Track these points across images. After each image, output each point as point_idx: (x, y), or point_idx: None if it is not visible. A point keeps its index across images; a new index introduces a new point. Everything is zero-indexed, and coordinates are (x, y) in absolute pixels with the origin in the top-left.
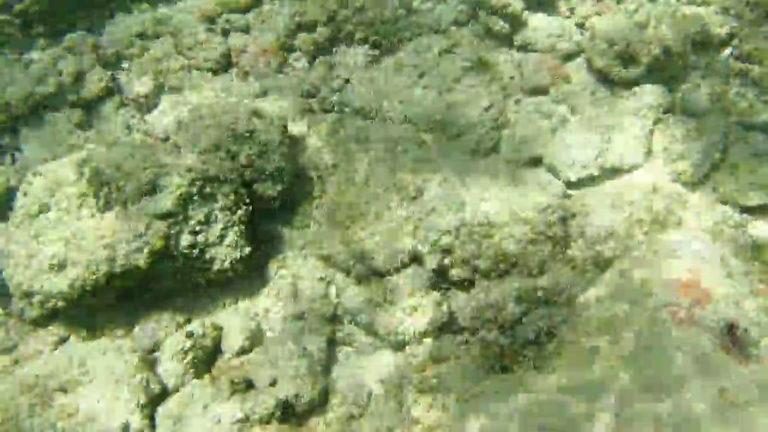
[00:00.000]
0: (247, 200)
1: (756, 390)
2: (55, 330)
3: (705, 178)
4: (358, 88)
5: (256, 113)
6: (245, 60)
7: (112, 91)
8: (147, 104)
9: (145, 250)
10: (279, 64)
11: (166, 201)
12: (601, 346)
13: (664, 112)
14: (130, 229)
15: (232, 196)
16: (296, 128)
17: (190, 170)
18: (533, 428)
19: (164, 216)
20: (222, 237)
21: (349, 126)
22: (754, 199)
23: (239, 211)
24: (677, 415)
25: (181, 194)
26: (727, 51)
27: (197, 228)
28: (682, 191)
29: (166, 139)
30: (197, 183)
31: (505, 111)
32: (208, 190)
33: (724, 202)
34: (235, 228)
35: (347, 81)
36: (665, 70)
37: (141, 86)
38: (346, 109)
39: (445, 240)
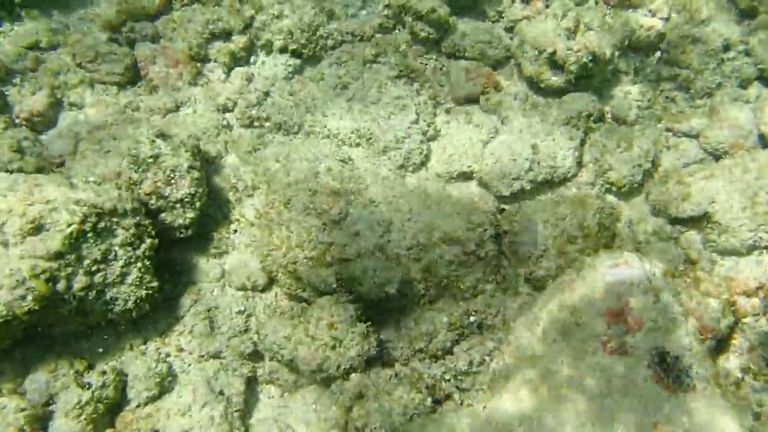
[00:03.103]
0: (153, 232)
1: (686, 420)
2: None
3: (638, 188)
4: (279, 101)
5: (162, 135)
6: (154, 72)
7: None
8: (42, 123)
9: (29, 298)
10: (192, 75)
11: (53, 241)
12: (531, 379)
13: (595, 121)
14: (11, 274)
15: (133, 230)
16: (212, 146)
17: (81, 204)
18: None
19: (52, 258)
20: (124, 275)
21: (269, 143)
22: (686, 211)
23: (143, 245)
24: None
25: (71, 233)
26: (657, 55)
27: (93, 268)
28: (615, 203)
29: (62, 164)
30: (90, 219)
31: (435, 122)
32: (103, 224)
33: (656, 213)
34: (139, 264)
35: (267, 94)
36: (594, 76)
37: (35, 103)
38: (266, 124)
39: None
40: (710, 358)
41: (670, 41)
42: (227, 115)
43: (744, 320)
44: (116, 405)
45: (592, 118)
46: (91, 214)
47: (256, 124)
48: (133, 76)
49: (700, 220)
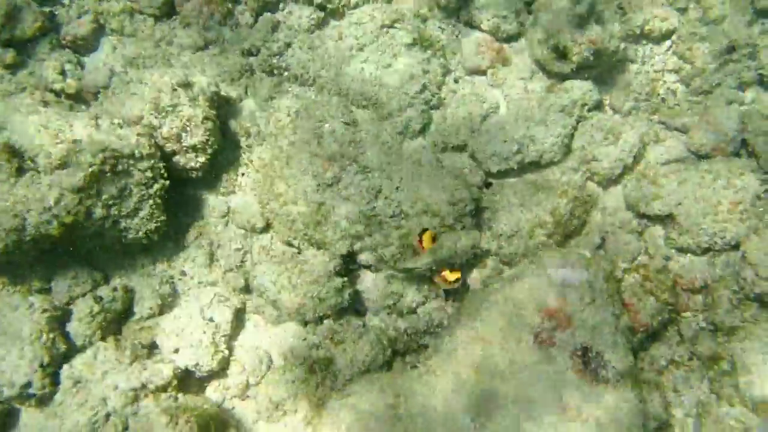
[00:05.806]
0: (165, 174)
1: (595, 409)
2: None
3: (616, 179)
4: (299, 53)
5: (183, 84)
6: (189, 8)
7: (49, 30)
8: (85, 46)
9: (55, 223)
10: (223, 15)
11: (77, 178)
12: (473, 361)
13: (590, 110)
14: (40, 200)
15: (148, 172)
16: (233, 90)
17: (102, 148)
18: None
19: (75, 191)
20: (136, 210)
21: (286, 93)
22: (654, 210)
23: (155, 186)
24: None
25: (92, 172)
26: (666, 44)
27: (110, 202)
28: (594, 190)
29: (96, 95)
30: (110, 161)
31: (441, 92)
32: (122, 167)
33: (629, 207)
34: (150, 201)
35: (288, 45)
36: (596, 67)
37: (80, 27)
38: (285, 74)
39: (356, 229)
40: (632, 354)
41: (681, 34)
42: (250, 59)
43: (684, 314)
44: (123, 316)
45: (587, 107)
46: (111, 157)
47: (275, 72)
48: (168, 10)
49: (666, 218)
